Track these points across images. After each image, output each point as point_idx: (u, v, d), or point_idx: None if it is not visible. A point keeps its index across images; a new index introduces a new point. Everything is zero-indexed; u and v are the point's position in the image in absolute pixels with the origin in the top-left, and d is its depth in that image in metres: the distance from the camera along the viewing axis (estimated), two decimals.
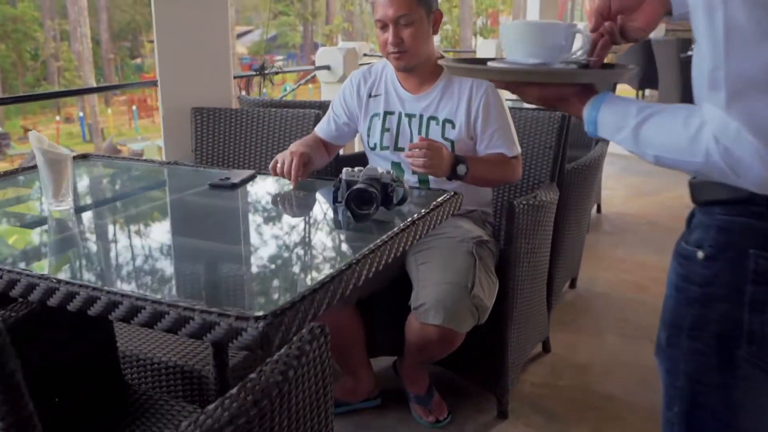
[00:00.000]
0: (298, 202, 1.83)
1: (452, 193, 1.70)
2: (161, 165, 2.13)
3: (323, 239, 1.56)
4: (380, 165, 2.10)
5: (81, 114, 20.85)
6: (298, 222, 1.71)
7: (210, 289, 1.27)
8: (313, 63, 4.75)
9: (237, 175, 1.89)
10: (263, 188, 1.92)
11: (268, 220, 1.69)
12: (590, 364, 2.56)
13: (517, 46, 1.03)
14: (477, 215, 2.13)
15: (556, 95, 1.00)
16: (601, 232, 4.23)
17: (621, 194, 5.07)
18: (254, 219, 1.71)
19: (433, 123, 2.03)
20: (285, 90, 8.84)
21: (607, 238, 4.07)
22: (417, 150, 1.79)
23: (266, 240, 1.55)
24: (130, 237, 1.55)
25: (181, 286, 1.28)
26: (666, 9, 0.99)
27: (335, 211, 1.66)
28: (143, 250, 1.44)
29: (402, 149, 2.04)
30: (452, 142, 2.01)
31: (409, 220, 1.48)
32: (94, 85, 20.57)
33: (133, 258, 1.38)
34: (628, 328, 2.85)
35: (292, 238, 1.56)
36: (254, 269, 1.38)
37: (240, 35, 27.27)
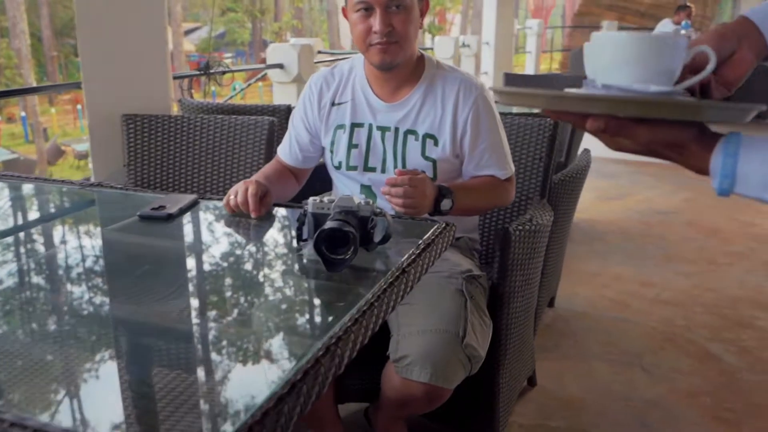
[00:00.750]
0: (250, 240, 1.49)
1: (443, 225, 1.39)
2: (81, 187, 1.76)
3: (287, 300, 1.22)
4: (347, 187, 1.78)
5: (23, 114, 19.93)
6: (252, 272, 1.37)
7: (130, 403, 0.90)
8: (263, 61, 4.36)
9: (174, 202, 1.54)
10: (206, 219, 1.58)
11: (213, 270, 1.34)
12: (581, 399, 2.29)
13: (618, 67, 0.76)
14: (463, 243, 1.82)
15: (672, 139, 0.74)
16: (573, 242, 3.98)
17: (587, 198, 4.84)
18: (194, 267, 1.36)
19: (411, 138, 1.71)
20: (234, 89, 8.39)
21: (580, 248, 3.83)
22: (395, 188, 1.48)
23: (210, 303, 1.20)
24: (12, 307, 1.18)
25: (86, 405, 0.91)
26: (761, 55, 0.85)
27: (299, 254, 1.33)
28: (30, 332, 1.07)
29: (373, 169, 1.72)
30: (434, 162, 1.70)
31: (396, 267, 1.16)
32: (34, 84, 19.66)
33: (9, 348, 1.00)
34: (615, 353, 2.60)
35: (245, 300, 1.22)
36: (196, 358, 1.01)
37: (187, 32, 26.52)
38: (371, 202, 1.26)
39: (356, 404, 2.01)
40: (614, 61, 0.76)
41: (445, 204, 1.56)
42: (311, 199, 1.27)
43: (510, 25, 8.15)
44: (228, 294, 1.22)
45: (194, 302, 1.19)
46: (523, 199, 2.10)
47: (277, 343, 1.03)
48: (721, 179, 0.71)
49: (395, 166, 1.70)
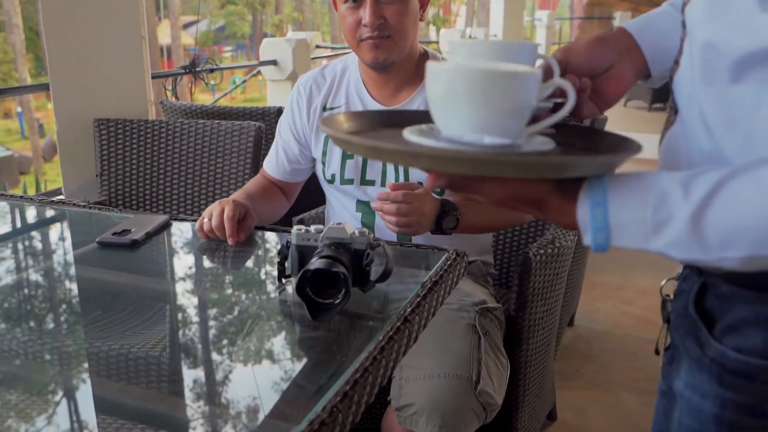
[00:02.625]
0: (227, 271, 1.26)
1: (453, 255, 1.16)
2: (40, 204, 1.53)
3: (263, 356, 0.99)
4: (341, 204, 1.55)
5: (19, 109, 19.72)
6: (223, 316, 1.14)
7: None
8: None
9: (142, 225, 1.31)
10: (177, 245, 1.35)
11: (179, 311, 1.12)
12: None
13: (452, 109, 0.63)
14: (476, 268, 1.59)
15: (527, 194, 0.64)
16: (588, 250, 3.75)
17: None
18: (156, 311, 1.13)
19: None
20: (234, 82, 8.18)
21: (598, 258, 3.59)
22: (388, 204, 1.27)
23: (171, 361, 0.98)
24: None
25: None
26: (640, 74, 0.78)
27: (281, 292, 1.10)
28: None
29: (371, 183, 1.49)
30: None
31: (398, 314, 0.93)
32: (28, 79, 19.49)
33: None
34: (644, 381, 2.36)
35: (209, 355, 0.99)
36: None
37: (186, 25, 26.28)
38: (368, 232, 1.03)
39: None
40: (447, 102, 0.62)
41: (449, 222, 1.33)
42: (295, 228, 1.05)
43: (519, 16, 7.89)
44: (189, 345, 1.00)
45: (153, 352, 0.97)
46: None
47: (240, 425, 0.80)
48: (594, 234, 0.60)
49: (397, 179, 1.47)
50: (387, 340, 0.87)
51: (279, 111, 2.55)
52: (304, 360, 0.96)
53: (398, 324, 0.91)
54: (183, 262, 1.31)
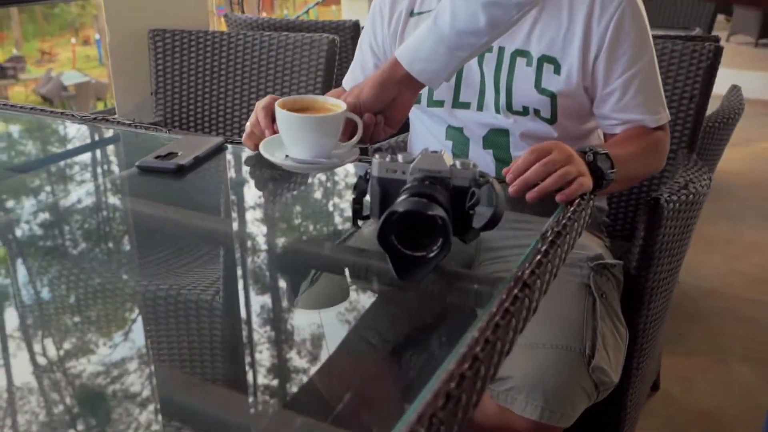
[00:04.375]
0: (287, 207, 1.03)
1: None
2: (81, 121, 1.33)
3: (335, 325, 0.77)
4: (428, 130, 1.29)
5: (97, 36, 19.95)
6: (283, 270, 0.91)
7: None
8: None
9: (191, 147, 1.10)
10: (230, 172, 1.13)
11: (231, 259, 0.90)
12: (717, 411, 1.79)
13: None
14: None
15: None
16: None
17: None
18: (201, 250, 0.92)
19: (520, 63, 1.18)
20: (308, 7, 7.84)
21: (705, 206, 3.22)
22: (522, 174, 0.92)
23: (226, 309, 0.77)
24: None
25: None
26: (420, 89, 1.00)
27: (355, 241, 0.87)
28: None
29: (466, 105, 1.22)
30: (553, 96, 1.17)
31: (518, 271, 0.69)
32: None
33: None
34: (759, 349, 2.06)
35: (260, 324, 0.77)
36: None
37: None
38: (472, 164, 0.78)
39: None
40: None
41: (604, 162, 1.01)
42: (377, 156, 0.80)
43: None
44: (241, 295, 0.79)
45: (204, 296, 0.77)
46: None
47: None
48: None
49: (497, 102, 1.19)
50: (502, 314, 0.62)
51: (356, 25, 2.29)
52: (385, 334, 0.72)
53: (516, 291, 0.66)
54: (236, 194, 1.09)
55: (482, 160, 1.21)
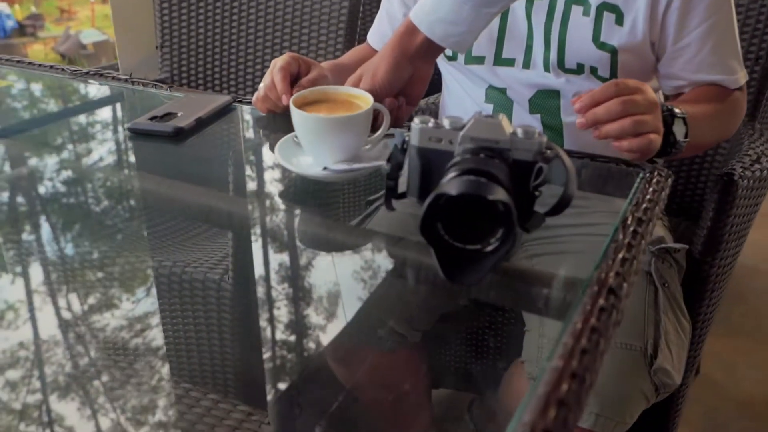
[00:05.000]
0: (301, 185, 0.87)
1: (656, 172, 0.75)
2: (74, 77, 1.18)
3: (359, 330, 0.63)
4: (464, 91, 1.13)
5: None
6: (300, 257, 0.77)
7: None
8: None
9: (194, 107, 0.95)
10: (238, 136, 0.98)
11: (238, 241, 0.77)
12: (763, 401, 1.66)
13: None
14: None
15: None
16: None
17: None
18: (206, 228, 0.78)
19: (576, 11, 1.01)
20: None
21: None
22: (595, 106, 0.79)
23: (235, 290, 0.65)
24: None
25: None
26: (437, 54, 0.88)
27: (388, 227, 0.73)
28: None
29: (509, 62, 1.05)
30: (613, 52, 1.00)
31: (599, 272, 0.54)
32: None
33: None
34: None
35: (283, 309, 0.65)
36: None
37: None
38: (537, 132, 0.62)
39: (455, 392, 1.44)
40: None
41: (679, 129, 0.87)
42: (417, 119, 0.64)
43: None
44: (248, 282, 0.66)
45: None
46: None
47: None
48: None
49: (547, 58, 1.03)
50: (588, 335, 0.48)
51: None
52: (426, 355, 0.59)
53: (601, 300, 0.51)
54: (244, 162, 0.94)
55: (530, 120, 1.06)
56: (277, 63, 0.93)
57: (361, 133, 0.78)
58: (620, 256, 0.57)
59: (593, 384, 0.48)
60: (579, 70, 1.01)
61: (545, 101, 1.05)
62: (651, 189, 0.71)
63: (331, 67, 1.05)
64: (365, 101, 0.80)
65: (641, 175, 0.74)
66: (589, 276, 0.55)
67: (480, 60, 1.07)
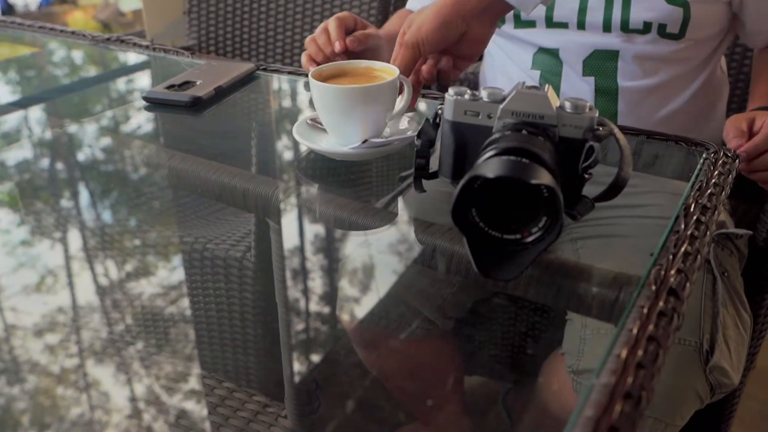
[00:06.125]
0: (329, 164, 0.80)
1: (721, 153, 0.66)
2: (95, 43, 1.13)
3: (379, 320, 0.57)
4: (508, 57, 1.04)
5: None
6: (321, 239, 0.71)
7: None
8: None
9: (215, 75, 0.89)
10: (263, 107, 0.92)
11: (256, 219, 0.71)
12: None
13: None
14: None
15: None
16: None
17: None
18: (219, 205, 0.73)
19: None
20: None
21: None
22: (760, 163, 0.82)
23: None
24: None
25: None
26: (501, 15, 0.78)
27: (417, 210, 0.66)
28: None
29: (563, 25, 0.96)
30: (685, 5, 0.90)
31: (658, 267, 0.46)
32: None
33: None
34: None
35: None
36: None
37: None
38: (588, 105, 0.54)
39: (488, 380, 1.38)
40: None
41: None
42: (452, 90, 0.57)
43: None
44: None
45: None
46: None
47: None
48: None
49: (608, 19, 0.92)
50: (646, 342, 0.40)
51: None
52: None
53: (660, 302, 0.44)
54: (268, 134, 0.88)
55: (579, 90, 0.97)
56: (330, 21, 0.89)
57: (387, 105, 0.71)
58: (682, 249, 0.49)
59: (650, 404, 0.41)
60: (646, 29, 0.92)
61: (602, 63, 0.96)
62: (716, 172, 0.62)
63: (377, 33, 0.98)
64: (389, 73, 0.73)
65: (704, 155, 0.66)
66: (646, 273, 0.47)
67: (531, 24, 0.98)
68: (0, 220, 0.71)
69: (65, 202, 0.77)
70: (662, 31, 0.91)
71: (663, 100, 0.97)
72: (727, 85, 1.09)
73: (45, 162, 0.84)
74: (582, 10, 0.93)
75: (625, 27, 0.91)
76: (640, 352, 0.40)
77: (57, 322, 0.58)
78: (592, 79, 0.95)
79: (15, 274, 0.62)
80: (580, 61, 0.95)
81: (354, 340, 0.86)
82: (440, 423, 1.11)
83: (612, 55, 0.94)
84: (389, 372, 0.92)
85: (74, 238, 0.70)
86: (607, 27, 0.92)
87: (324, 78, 0.71)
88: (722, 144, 0.89)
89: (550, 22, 0.95)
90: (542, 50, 0.98)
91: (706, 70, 0.99)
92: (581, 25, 0.94)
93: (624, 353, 0.40)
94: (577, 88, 0.96)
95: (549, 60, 0.98)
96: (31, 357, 0.54)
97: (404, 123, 0.75)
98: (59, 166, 0.83)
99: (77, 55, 1.19)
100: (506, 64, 1.03)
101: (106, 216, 0.75)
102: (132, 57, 1.10)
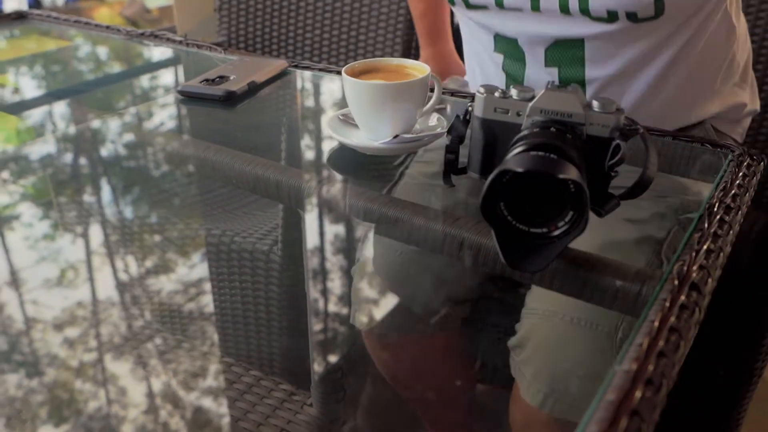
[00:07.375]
0: (359, 158, 0.82)
1: (746, 155, 0.67)
2: (130, 38, 1.16)
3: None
4: (476, 40, 0.94)
5: None
6: (344, 235, 0.73)
7: None
8: None
9: (247, 71, 0.91)
10: (294, 103, 0.94)
11: (288, 211, 0.73)
12: None
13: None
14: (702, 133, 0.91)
15: None
16: None
17: None
18: (252, 196, 0.75)
19: None
20: None
21: None
22: None
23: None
24: None
25: None
26: None
27: (447, 205, 0.68)
28: None
29: (516, 9, 0.82)
30: None
31: (682, 264, 0.48)
32: None
33: None
34: None
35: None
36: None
37: None
38: (616, 105, 0.56)
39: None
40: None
41: None
42: (482, 88, 0.59)
43: None
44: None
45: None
46: None
47: None
48: None
49: (564, 3, 0.78)
50: (668, 333, 0.42)
51: None
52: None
53: (682, 296, 0.45)
54: (297, 130, 0.90)
55: (543, 80, 0.83)
56: None
57: (417, 102, 0.73)
58: (705, 247, 0.51)
59: (669, 391, 0.42)
60: (611, 17, 0.77)
61: (565, 52, 0.83)
62: (741, 173, 0.63)
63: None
64: (420, 70, 0.74)
65: (729, 157, 0.67)
66: (669, 269, 0.49)
67: (482, 7, 0.85)
68: (36, 212, 0.74)
69: (104, 194, 0.79)
70: (633, 18, 0.77)
71: (636, 82, 0.84)
72: (742, 41, 0.91)
73: (83, 154, 0.86)
74: None
75: (585, 13, 0.78)
76: (661, 342, 0.42)
77: (105, 308, 0.61)
78: (555, 70, 0.85)
79: (57, 267, 0.65)
80: (542, 51, 0.85)
81: (375, 335, 0.88)
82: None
83: (576, 44, 0.82)
84: (408, 369, 0.94)
85: (109, 231, 0.73)
86: (564, 8, 0.79)
87: (356, 74, 0.73)
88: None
89: (502, 5, 0.83)
90: (500, 36, 0.88)
91: (692, 27, 0.81)
92: (536, 8, 0.81)
93: (646, 343, 0.42)
94: (539, 78, 0.86)
95: (511, 48, 0.88)
96: (74, 350, 0.56)
97: (434, 120, 0.77)
98: (96, 156, 0.85)
99: (110, 50, 1.22)
100: (474, 43, 0.96)
101: (137, 209, 0.77)
102: (164, 52, 1.12)
